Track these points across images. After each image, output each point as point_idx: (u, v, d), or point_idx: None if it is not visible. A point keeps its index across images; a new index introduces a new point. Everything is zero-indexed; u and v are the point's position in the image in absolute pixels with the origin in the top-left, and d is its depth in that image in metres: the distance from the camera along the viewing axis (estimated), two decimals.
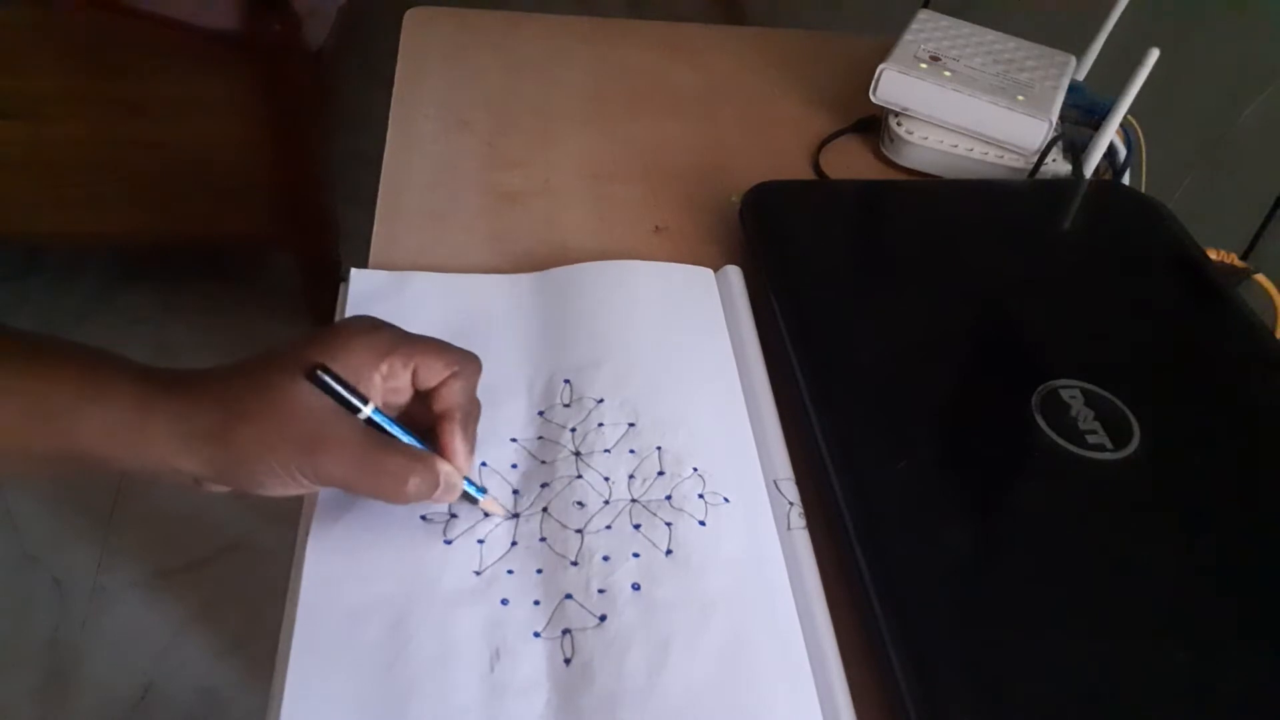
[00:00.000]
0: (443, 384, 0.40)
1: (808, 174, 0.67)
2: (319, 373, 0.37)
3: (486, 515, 0.42)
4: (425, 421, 0.41)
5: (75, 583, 1.23)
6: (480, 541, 0.41)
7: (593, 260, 0.55)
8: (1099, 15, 0.68)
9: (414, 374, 0.40)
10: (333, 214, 1.42)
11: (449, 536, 0.41)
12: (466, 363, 0.41)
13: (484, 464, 0.44)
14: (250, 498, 0.38)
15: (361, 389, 0.38)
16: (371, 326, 0.40)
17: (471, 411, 0.41)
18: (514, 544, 0.42)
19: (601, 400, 0.47)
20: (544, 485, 0.44)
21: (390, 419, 0.39)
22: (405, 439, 0.39)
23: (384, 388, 0.39)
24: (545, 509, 0.43)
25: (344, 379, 0.38)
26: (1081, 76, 0.70)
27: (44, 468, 0.38)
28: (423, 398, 0.41)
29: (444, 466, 0.39)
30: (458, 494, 0.40)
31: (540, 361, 0.49)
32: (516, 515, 0.42)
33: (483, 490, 0.42)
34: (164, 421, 0.36)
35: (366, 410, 0.38)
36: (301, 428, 0.37)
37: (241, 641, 1.20)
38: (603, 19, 0.79)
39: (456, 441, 0.40)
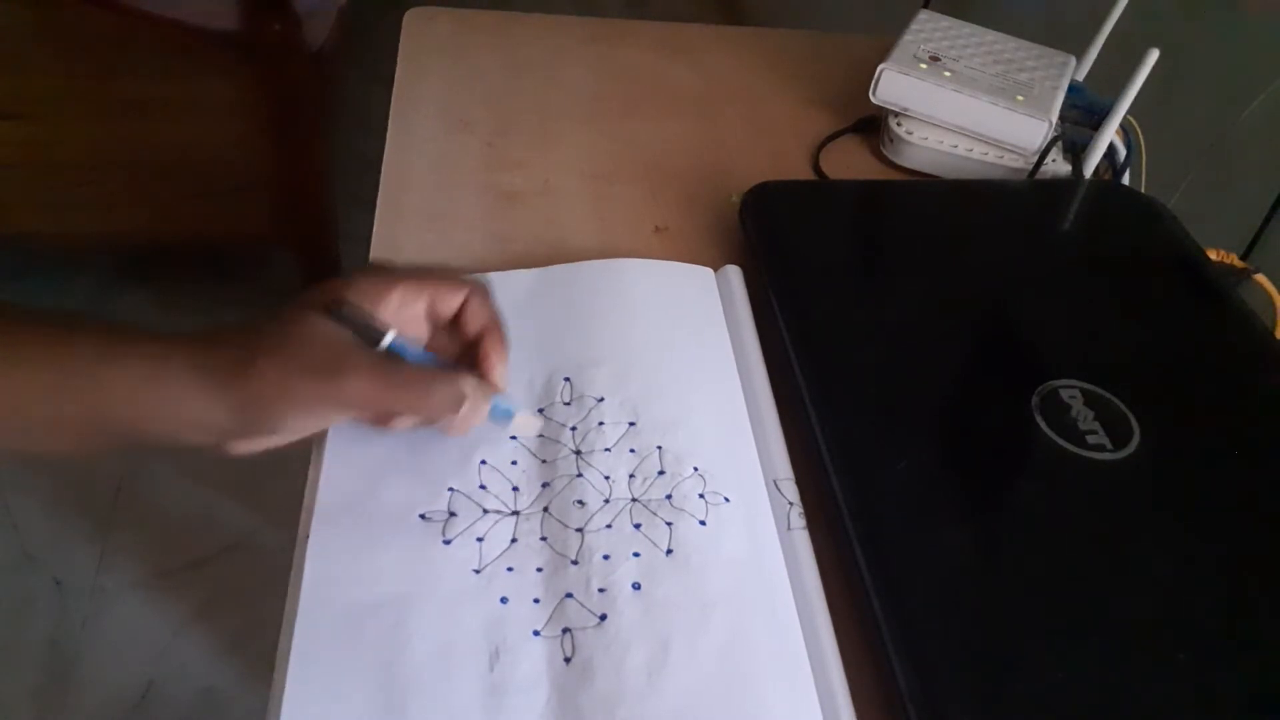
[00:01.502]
0: (464, 307, 0.41)
1: (808, 174, 0.67)
2: (340, 309, 0.38)
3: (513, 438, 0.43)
4: (450, 353, 0.42)
5: (75, 583, 1.23)
6: (479, 540, 0.41)
7: (593, 260, 0.55)
8: (1099, 15, 0.68)
9: (430, 306, 0.40)
10: (333, 214, 1.42)
11: (448, 536, 0.41)
12: (476, 285, 0.42)
13: (484, 461, 0.44)
14: (268, 455, 0.38)
15: (384, 318, 0.39)
16: (379, 266, 0.41)
17: (498, 328, 0.42)
18: (514, 541, 0.42)
19: (602, 399, 0.47)
20: (544, 484, 0.44)
21: (411, 345, 0.40)
22: (428, 361, 0.40)
23: (400, 318, 0.40)
24: (546, 508, 0.43)
25: (362, 311, 0.38)
26: (1081, 76, 0.70)
27: (72, 437, 0.38)
28: (444, 331, 0.42)
29: (469, 379, 0.39)
30: (484, 413, 0.40)
31: (540, 359, 0.49)
32: (517, 513, 0.42)
33: (512, 409, 0.42)
34: (182, 369, 0.36)
35: (388, 338, 0.39)
36: (321, 356, 0.37)
37: (241, 641, 1.20)
38: (603, 19, 0.79)
39: (491, 353, 0.41)
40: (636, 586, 0.40)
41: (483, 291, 0.42)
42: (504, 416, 0.41)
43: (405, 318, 0.40)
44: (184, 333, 0.38)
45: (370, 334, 0.38)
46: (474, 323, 0.42)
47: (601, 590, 0.40)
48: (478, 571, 0.40)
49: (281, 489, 1.24)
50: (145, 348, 0.37)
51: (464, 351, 0.42)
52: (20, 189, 1.33)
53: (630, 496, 0.43)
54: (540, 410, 0.47)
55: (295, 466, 0.43)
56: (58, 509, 1.31)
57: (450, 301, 0.41)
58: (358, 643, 0.37)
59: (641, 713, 0.36)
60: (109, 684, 1.15)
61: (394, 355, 0.39)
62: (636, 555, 0.41)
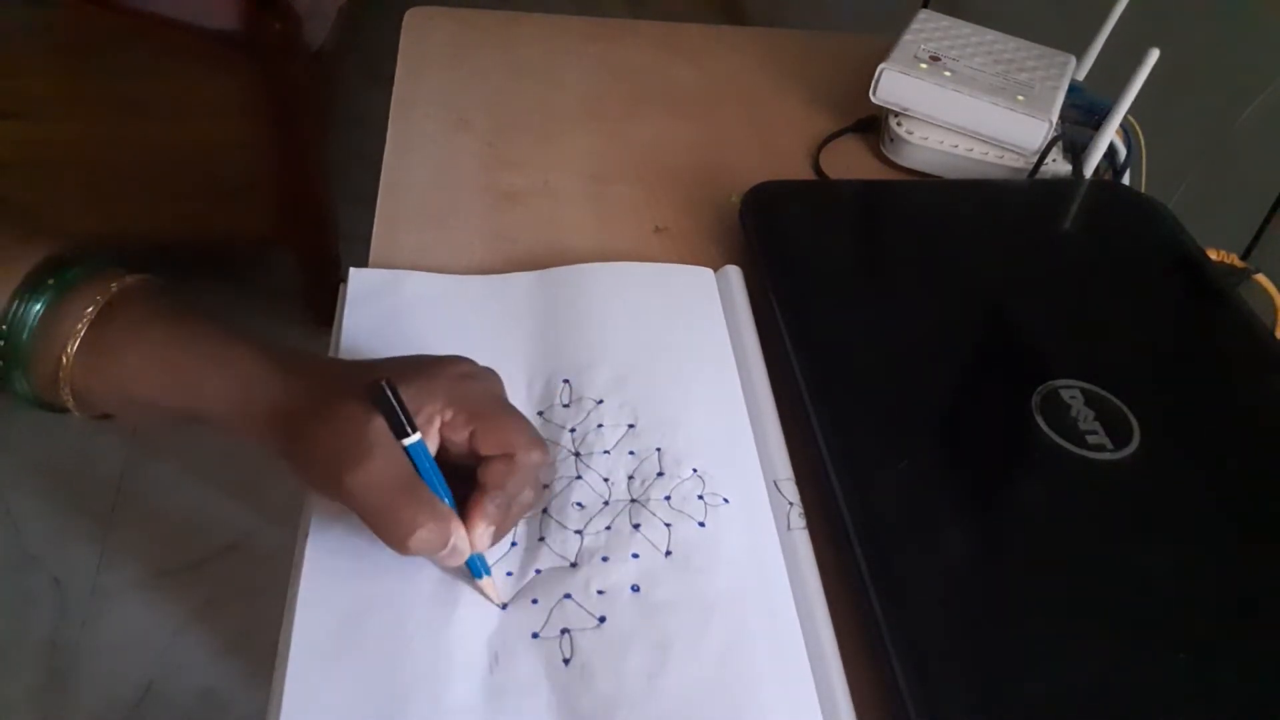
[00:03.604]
0: (493, 460, 0.39)
1: (808, 174, 0.67)
2: (382, 384, 0.36)
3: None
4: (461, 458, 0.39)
5: (75, 583, 1.23)
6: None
7: (593, 260, 0.55)
8: (1099, 15, 0.68)
9: (471, 436, 0.38)
10: (333, 214, 1.42)
11: None
12: (528, 450, 0.39)
13: None
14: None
15: (419, 421, 0.37)
16: (461, 375, 0.40)
17: (514, 496, 0.39)
18: (513, 544, 0.42)
19: (601, 401, 0.47)
20: (543, 486, 0.44)
21: (432, 462, 0.38)
22: (436, 487, 0.38)
23: (443, 434, 0.39)
24: (545, 509, 0.43)
25: (403, 403, 0.37)
26: (1081, 76, 0.70)
27: (166, 419, 0.40)
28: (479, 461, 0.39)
29: (458, 530, 0.37)
30: (461, 561, 0.38)
31: (539, 361, 0.49)
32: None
33: (487, 571, 0.39)
34: (263, 406, 0.38)
35: (413, 438, 0.37)
36: (345, 438, 0.36)
37: (241, 641, 1.20)
38: (603, 19, 0.79)
39: (479, 517, 0.38)
40: (635, 588, 0.40)
41: (526, 460, 0.39)
42: (473, 574, 0.39)
43: (448, 436, 0.39)
44: (285, 354, 0.40)
45: (397, 425, 0.37)
46: (490, 479, 0.38)
47: (600, 592, 0.40)
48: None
49: (281, 489, 1.25)
50: (246, 366, 0.39)
51: (475, 488, 0.39)
52: (20, 189, 1.33)
53: (629, 498, 0.43)
54: (539, 414, 0.47)
55: None
56: (58, 509, 1.31)
57: (485, 448, 0.39)
58: (358, 644, 0.37)
59: (641, 714, 0.36)
60: (109, 684, 1.15)
61: (411, 461, 0.37)
62: (636, 557, 0.41)
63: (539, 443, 0.40)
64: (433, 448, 0.38)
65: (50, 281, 0.38)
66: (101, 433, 1.37)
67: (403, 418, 0.37)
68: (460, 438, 0.39)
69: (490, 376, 0.41)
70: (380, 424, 0.37)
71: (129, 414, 0.41)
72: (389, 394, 0.36)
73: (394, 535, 0.36)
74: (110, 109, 1.28)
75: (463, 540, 0.38)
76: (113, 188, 1.34)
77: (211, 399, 0.39)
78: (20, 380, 0.39)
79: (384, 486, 0.36)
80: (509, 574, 0.40)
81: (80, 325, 0.38)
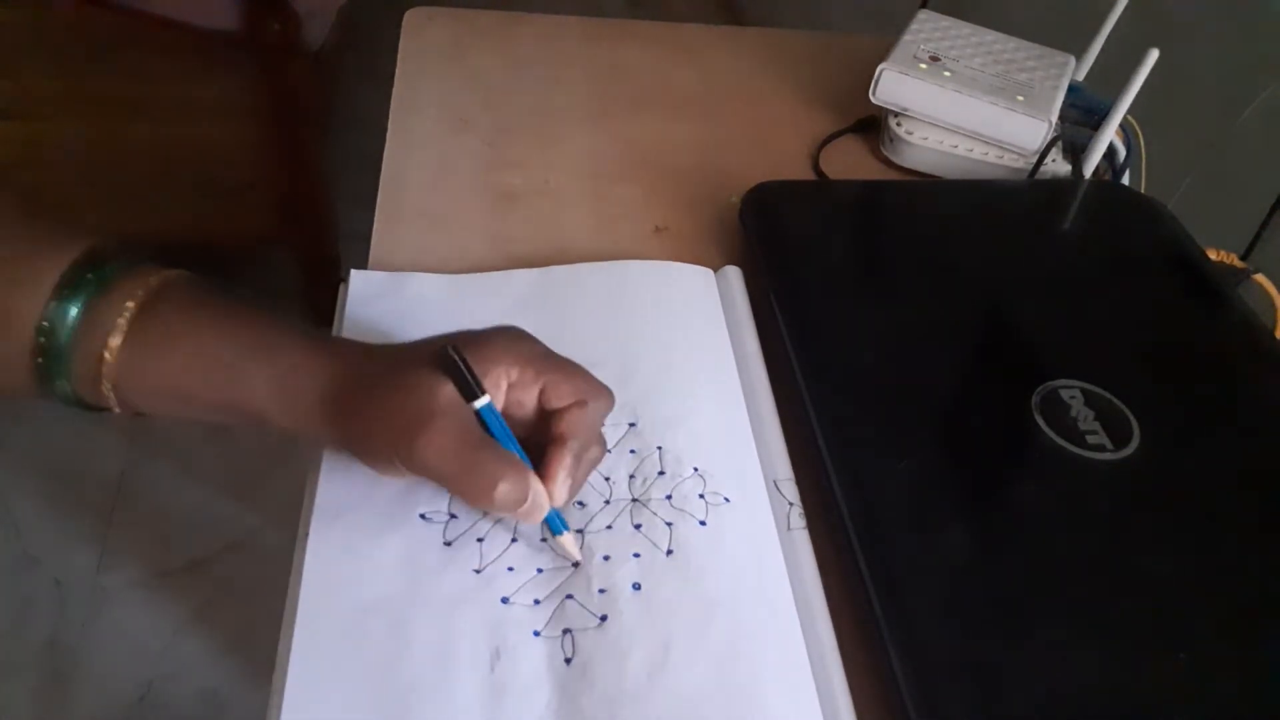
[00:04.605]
0: (566, 409, 0.40)
1: (808, 174, 0.67)
2: (449, 350, 0.37)
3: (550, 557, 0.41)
4: (540, 445, 0.40)
5: (75, 583, 1.23)
6: (480, 540, 0.41)
7: (593, 260, 0.55)
8: (1099, 15, 0.68)
9: (541, 392, 0.39)
10: (333, 214, 1.42)
11: (448, 538, 0.41)
12: (597, 396, 0.40)
13: None
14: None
15: (486, 384, 0.38)
16: (516, 335, 0.40)
17: (588, 446, 0.40)
18: (514, 541, 0.42)
19: None
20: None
21: (501, 421, 0.39)
22: (509, 446, 0.39)
23: (509, 396, 0.39)
24: None
25: (471, 367, 0.38)
26: (1081, 76, 0.70)
27: (208, 414, 0.40)
28: (546, 418, 0.40)
29: (536, 484, 0.38)
30: (540, 517, 0.39)
31: None
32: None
33: (565, 526, 0.40)
34: (309, 390, 0.38)
35: (482, 400, 0.38)
36: (414, 407, 0.37)
37: (241, 641, 1.20)
38: (603, 19, 0.79)
39: (559, 468, 0.39)
40: (637, 587, 0.40)
41: (597, 405, 0.40)
42: (552, 530, 0.40)
43: (514, 397, 0.39)
44: (327, 340, 0.40)
45: (467, 389, 0.38)
46: (566, 428, 0.39)
47: (602, 591, 0.40)
48: (478, 571, 0.40)
49: (281, 489, 1.25)
50: (287, 353, 0.39)
51: (550, 443, 0.40)
52: (20, 189, 1.33)
53: (630, 497, 0.43)
54: None
55: (295, 466, 0.43)
56: (58, 509, 1.31)
57: (559, 399, 0.40)
58: (358, 643, 0.37)
59: (642, 713, 0.36)
60: (109, 684, 1.15)
61: (481, 420, 0.38)
62: (637, 556, 0.41)
63: (606, 389, 0.41)
64: (500, 408, 0.39)
65: (89, 278, 0.38)
66: (101, 433, 1.37)
67: (471, 381, 0.37)
68: (529, 395, 0.40)
69: (531, 336, 0.41)
70: (447, 389, 0.37)
71: (170, 409, 0.40)
72: (457, 359, 0.37)
73: (476, 492, 0.37)
74: (110, 109, 1.28)
75: (541, 495, 0.38)
76: (113, 188, 1.34)
77: (255, 389, 0.38)
78: (62, 379, 0.38)
79: (459, 448, 0.37)
80: (510, 569, 0.40)
81: (121, 321, 0.38)
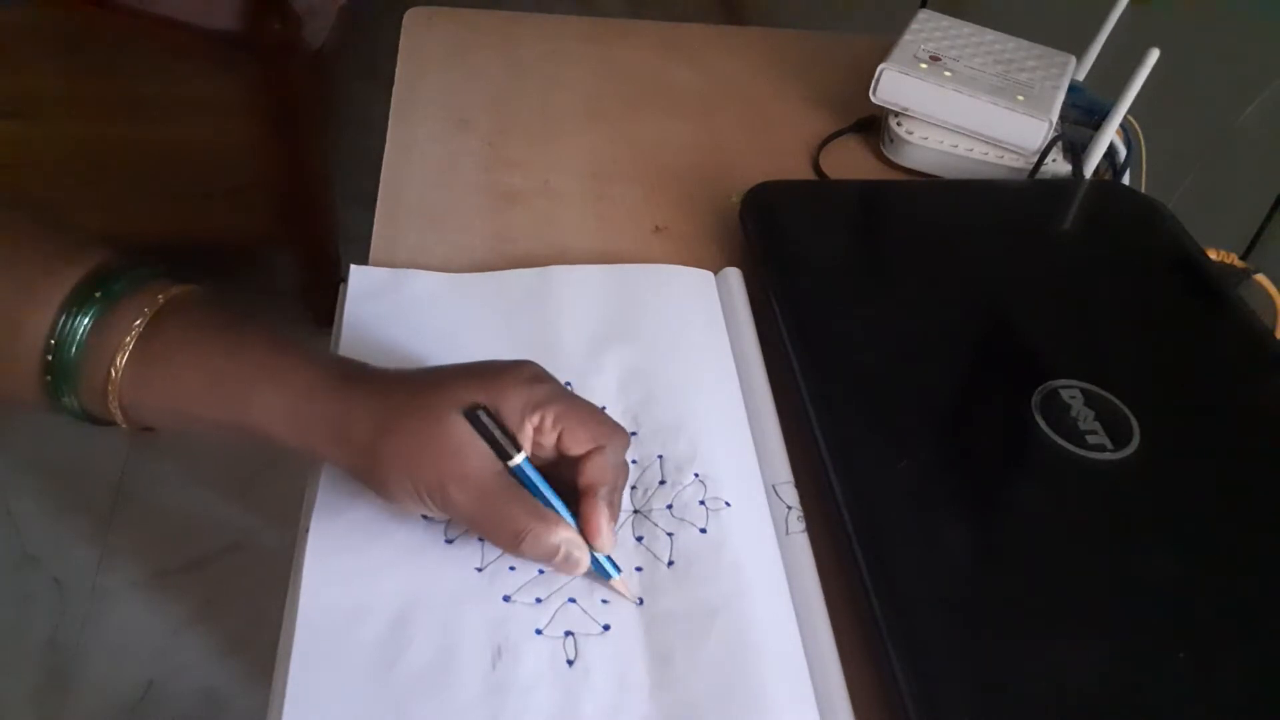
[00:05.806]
0: (587, 456, 0.40)
1: (808, 174, 0.67)
2: (480, 414, 0.38)
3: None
4: (568, 481, 0.40)
5: (75, 583, 1.23)
6: (481, 539, 0.41)
7: (592, 260, 0.55)
8: (1099, 15, 0.68)
9: (560, 437, 0.40)
10: (333, 214, 1.42)
11: (450, 536, 0.41)
12: (614, 437, 0.41)
13: None
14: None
15: (516, 436, 0.39)
16: (533, 377, 0.40)
17: (617, 485, 0.41)
18: None
19: (603, 408, 0.47)
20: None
21: (538, 475, 0.39)
22: (548, 496, 0.39)
23: (532, 440, 0.40)
24: None
25: (502, 424, 0.38)
26: (1081, 76, 0.70)
27: (215, 431, 0.40)
28: (567, 460, 0.40)
29: (564, 535, 0.39)
30: (583, 568, 0.40)
31: (542, 362, 0.49)
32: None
33: (616, 569, 0.40)
34: (323, 418, 0.38)
35: (518, 459, 0.38)
36: (445, 457, 0.37)
37: (241, 641, 1.20)
38: (603, 19, 0.79)
39: (598, 520, 0.39)
40: (640, 602, 0.40)
41: (615, 446, 0.41)
42: (602, 574, 0.40)
43: (535, 440, 0.40)
44: (340, 365, 0.40)
45: (500, 449, 0.38)
46: (593, 475, 0.40)
47: (605, 601, 0.40)
48: (480, 569, 0.40)
49: (281, 489, 1.24)
50: (300, 379, 0.39)
51: (581, 493, 0.40)
52: (20, 189, 1.33)
53: (632, 509, 0.43)
54: None
55: (295, 466, 0.43)
56: (58, 509, 1.31)
57: (577, 446, 0.40)
58: (359, 642, 0.37)
59: (643, 714, 0.36)
60: (109, 684, 1.15)
61: (515, 475, 0.39)
62: (639, 570, 0.41)
63: (620, 428, 0.41)
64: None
65: (97, 295, 0.38)
66: (102, 433, 1.37)
67: (504, 441, 0.38)
68: (548, 439, 0.40)
69: (546, 374, 0.41)
70: (479, 447, 0.38)
71: (178, 426, 0.40)
72: (486, 422, 0.38)
73: (504, 540, 0.38)
74: (110, 109, 1.27)
75: (577, 548, 0.39)
76: (113, 188, 1.34)
77: (265, 412, 0.38)
78: (69, 395, 0.38)
79: (488, 498, 0.38)
80: (512, 568, 0.40)
81: (129, 339, 0.38)
